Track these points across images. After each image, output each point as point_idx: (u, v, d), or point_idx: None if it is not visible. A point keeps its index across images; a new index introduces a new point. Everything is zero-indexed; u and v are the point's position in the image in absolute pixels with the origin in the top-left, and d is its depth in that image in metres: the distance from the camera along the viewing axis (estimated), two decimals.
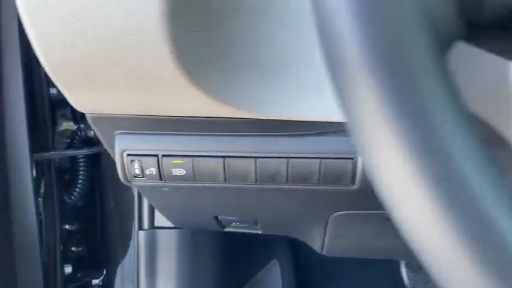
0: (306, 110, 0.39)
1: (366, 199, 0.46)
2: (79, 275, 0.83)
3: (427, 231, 0.15)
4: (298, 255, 1.00)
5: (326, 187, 0.42)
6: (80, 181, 0.76)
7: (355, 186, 0.42)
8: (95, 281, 0.85)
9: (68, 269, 0.81)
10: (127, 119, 0.39)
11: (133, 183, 0.43)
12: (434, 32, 0.15)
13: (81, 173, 0.76)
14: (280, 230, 0.66)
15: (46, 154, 0.68)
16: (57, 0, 0.28)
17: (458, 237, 0.14)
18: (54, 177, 0.70)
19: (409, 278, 0.85)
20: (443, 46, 0.16)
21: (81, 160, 0.76)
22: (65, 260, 0.80)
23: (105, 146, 0.44)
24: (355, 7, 0.14)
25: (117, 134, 0.42)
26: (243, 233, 0.69)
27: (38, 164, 0.67)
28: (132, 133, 0.41)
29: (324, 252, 0.63)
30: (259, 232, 0.68)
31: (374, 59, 0.14)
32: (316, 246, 0.64)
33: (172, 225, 0.73)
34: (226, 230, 0.66)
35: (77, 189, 0.76)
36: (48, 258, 0.73)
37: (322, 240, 0.60)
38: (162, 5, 0.28)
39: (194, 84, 0.32)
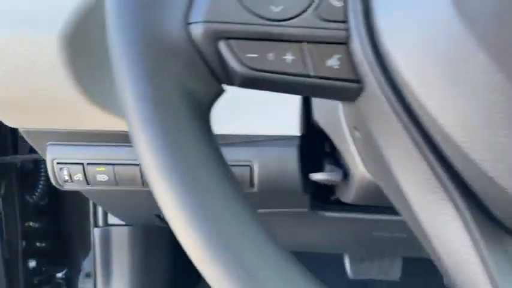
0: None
1: (268, 199, 0.53)
2: (43, 269, 0.89)
3: None
4: None
5: None
6: (41, 182, 0.82)
7: (255, 189, 0.48)
8: (59, 275, 0.92)
9: (32, 264, 0.87)
10: (54, 132, 0.46)
11: (64, 187, 0.50)
12: (192, 101, 0.21)
13: (42, 174, 0.82)
14: None
15: (7, 158, 0.74)
16: None
17: None
18: (14, 179, 0.77)
19: (351, 269, 0.91)
20: (203, 110, 0.23)
21: (43, 162, 0.82)
22: (29, 255, 0.86)
23: (40, 154, 0.50)
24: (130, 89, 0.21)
25: (48, 145, 0.48)
26: None
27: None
28: (60, 144, 0.47)
29: None
30: None
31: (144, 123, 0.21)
32: None
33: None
34: None
35: (39, 189, 0.82)
36: (10, 254, 0.79)
37: None
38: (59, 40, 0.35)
39: (93, 103, 0.38)
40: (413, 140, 0.21)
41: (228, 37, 0.21)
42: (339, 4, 0.21)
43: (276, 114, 0.46)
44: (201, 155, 0.22)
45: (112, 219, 0.80)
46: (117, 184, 0.49)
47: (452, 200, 0.21)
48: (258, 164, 0.47)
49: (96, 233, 0.80)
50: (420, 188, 0.22)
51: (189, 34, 0.21)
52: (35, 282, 0.88)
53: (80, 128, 0.44)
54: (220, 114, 0.45)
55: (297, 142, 0.46)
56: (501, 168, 0.19)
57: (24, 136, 0.47)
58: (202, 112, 0.23)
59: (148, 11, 0.21)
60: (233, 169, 0.48)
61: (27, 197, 0.82)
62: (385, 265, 0.92)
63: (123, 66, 0.21)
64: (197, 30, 0.21)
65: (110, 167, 0.47)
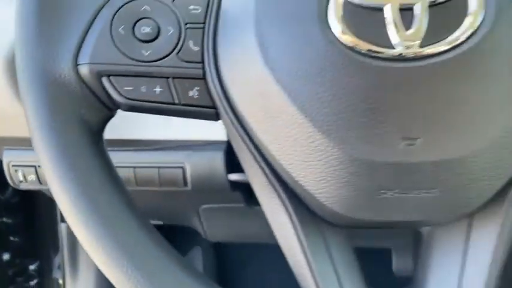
0: (148, 132, 0.52)
1: (205, 196, 0.59)
2: (17, 261, 0.95)
3: None
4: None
5: (168, 188, 0.55)
6: None
7: (188, 188, 0.54)
8: (31, 267, 0.98)
9: (6, 256, 0.93)
10: (7, 138, 0.52)
11: (20, 186, 0.56)
12: (85, 127, 0.28)
13: None
14: (172, 220, 0.79)
15: None
16: None
17: None
18: None
19: None
20: (96, 132, 0.29)
21: None
22: (3, 249, 0.92)
23: None
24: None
25: (4, 149, 0.54)
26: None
27: None
28: (15, 149, 0.54)
29: (208, 238, 0.77)
30: (161, 222, 0.81)
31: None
32: (203, 233, 0.77)
33: None
34: None
35: (9, 189, 0.88)
36: None
37: (202, 227, 0.74)
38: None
39: None
40: (254, 157, 0.27)
41: (109, 75, 0.27)
42: (196, 49, 0.28)
43: (206, 122, 0.53)
44: (92, 168, 0.28)
45: None
46: None
47: (284, 205, 0.28)
48: (189, 166, 0.53)
49: (63, 228, 0.86)
50: (262, 193, 0.28)
51: (78, 73, 0.27)
52: (10, 274, 0.94)
53: (25, 134, 0.50)
54: (155, 122, 0.51)
55: (223, 146, 0.52)
56: (316, 187, 0.26)
57: None
58: (95, 135, 0.29)
59: (45, 53, 0.27)
60: (168, 170, 0.55)
61: (0, 195, 0.87)
62: None
63: (28, 101, 0.27)
64: (84, 70, 0.27)
65: None
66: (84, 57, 0.27)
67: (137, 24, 0.27)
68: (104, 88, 0.27)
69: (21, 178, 0.55)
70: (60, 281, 0.95)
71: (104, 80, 0.27)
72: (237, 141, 0.28)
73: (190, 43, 0.28)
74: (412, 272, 0.96)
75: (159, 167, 0.53)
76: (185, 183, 0.54)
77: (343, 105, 0.23)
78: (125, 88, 0.27)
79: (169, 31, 0.27)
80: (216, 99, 0.27)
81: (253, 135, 0.26)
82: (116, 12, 0.27)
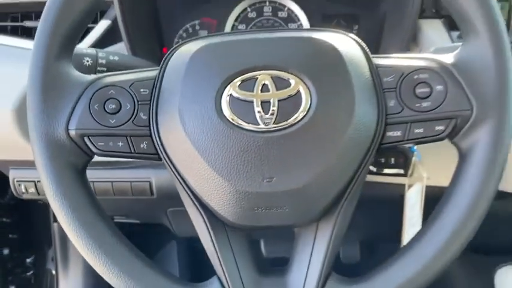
0: None
1: (169, 202, 0.75)
2: (15, 255, 1.10)
3: None
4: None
5: (139, 197, 0.71)
6: (10, 188, 1.03)
7: (155, 196, 0.70)
8: (28, 260, 1.13)
9: (6, 251, 1.08)
10: (13, 161, 0.67)
11: (23, 196, 0.71)
12: (75, 168, 0.43)
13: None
14: (148, 220, 0.95)
15: None
16: None
17: None
18: None
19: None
20: (81, 170, 0.44)
21: None
22: (3, 245, 1.07)
23: (5, 173, 0.71)
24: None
25: (10, 168, 0.69)
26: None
27: None
28: (18, 168, 0.69)
29: (177, 234, 0.93)
30: (138, 221, 0.97)
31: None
32: (172, 230, 0.93)
33: None
34: (115, 220, 0.95)
35: (8, 193, 1.03)
36: None
37: (171, 226, 0.90)
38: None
39: None
40: (182, 186, 0.43)
41: (89, 135, 0.43)
42: (145, 117, 0.43)
43: None
44: (79, 194, 0.43)
45: None
46: None
47: (201, 215, 0.44)
48: (154, 179, 0.69)
49: (55, 227, 1.02)
50: (189, 208, 0.44)
51: (69, 135, 0.43)
52: (9, 266, 1.09)
53: (27, 158, 0.66)
54: None
55: None
56: (216, 205, 0.42)
57: None
58: (80, 172, 0.44)
59: (47, 123, 0.42)
60: (138, 183, 0.71)
61: (0, 199, 1.02)
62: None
63: (36, 152, 0.42)
64: (72, 133, 0.43)
65: None
66: (72, 125, 0.42)
67: (106, 102, 0.43)
68: (85, 144, 0.43)
69: (23, 190, 0.70)
70: (53, 272, 1.11)
71: (85, 139, 0.43)
72: (171, 175, 0.43)
73: (141, 114, 0.43)
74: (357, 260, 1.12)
75: (131, 181, 0.69)
76: (152, 193, 0.70)
77: (230, 157, 0.39)
78: (99, 143, 0.43)
79: (127, 106, 0.43)
80: (158, 149, 0.43)
81: (179, 172, 0.42)
82: (92, 95, 0.42)
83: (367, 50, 0.44)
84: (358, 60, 0.42)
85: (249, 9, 0.75)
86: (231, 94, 0.40)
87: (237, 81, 0.40)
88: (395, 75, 0.42)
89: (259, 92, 0.40)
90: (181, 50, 0.44)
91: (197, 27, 0.75)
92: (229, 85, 0.40)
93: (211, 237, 0.44)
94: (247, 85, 0.40)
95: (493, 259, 0.81)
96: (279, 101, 0.40)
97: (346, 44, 0.43)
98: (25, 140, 0.60)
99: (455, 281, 0.85)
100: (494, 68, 0.40)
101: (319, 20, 0.74)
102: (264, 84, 0.40)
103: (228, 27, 0.74)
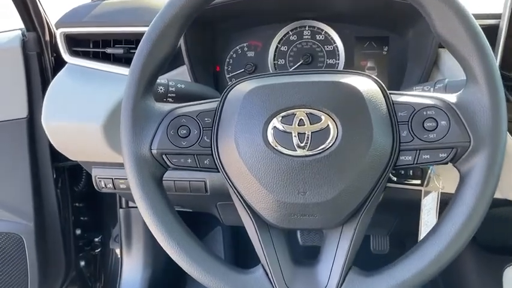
0: None
1: (219, 197, 0.88)
2: (85, 235, 1.28)
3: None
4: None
5: (196, 193, 0.85)
6: (83, 178, 1.20)
7: (208, 193, 0.84)
8: (96, 239, 1.31)
9: (78, 231, 1.26)
10: (96, 162, 0.82)
11: (102, 190, 0.87)
12: (156, 179, 0.57)
13: (84, 173, 1.20)
14: (201, 209, 1.09)
15: (61, 164, 1.12)
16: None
17: None
18: (66, 177, 1.15)
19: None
20: (160, 179, 0.58)
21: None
22: (76, 226, 1.25)
23: (88, 171, 0.87)
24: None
25: (93, 167, 0.85)
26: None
27: (57, 169, 1.11)
28: (100, 167, 0.85)
29: (224, 223, 1.07)
30: (191, 210, 1.12)
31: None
32: (220, 220, 1.07)
33: None
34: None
35: (82, 182, 1.20)
36: (65, 224, 1.18)
37: (220, 216, 1.04)
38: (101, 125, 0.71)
39: (117, 151, 0.75)
40: (235, 193, 0.56)
41: (166, 154, 0.56)
42: (208, 140, 0.56)
43: None
44: (158, 198, 0.57)
45: (132, 203, 1.18)
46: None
47: (249, 216, 0.56)
48: (208, 180, 0.83)
49: (121, 213, 1.19)
50: (239, 210, 0.57)
51: (151, 153, 0.56)
52: (80, 244, 1.27)
53: (109, 160, 0.81)
54: None
55: None
56: (262, 211, 0.55)
57: (80, 163, 0.84)
58: (159, 180, 0.58)
59: (136, 144, 0.56)
60: (195, 182, 0.85)
61: (75, 187, 1.20)
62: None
63: (128, 167, 0.56)
64: (154, 152, 0.56)
65: (125, 180, 0.84)
66: (154, 145, 0.55)
67: (179, 128, 0.56)
68: (163, 160, 0.56)
69: (103, 185, 0.86)
70: (117, 250, 1.28)
71: (164, 156, 0.56)
72: (227, 185, 0.56)
73: (205, 137, 0.56)
74: (385, 252, 1.24)
75: (189, 180, 0.83)
76: (206, 190, 0.84)
77: (273, 175, 0.51)
78: (173, 160, 0.56)
79: (194, 132, 0.56)
80: (218, 165, 0.56)
81: (233, 183, 0.55)
82: (169, 123, 0.56)
83: (385, 88, 0.54)
84: (378, 98, 0.53)
85: (290, 33, 0.86)
86: (275, 126, 0.52)
87: (280, 116, 0.52)
88: (408, 111, 0.53)
89: (297, 125, 0.52)
90: (236, 88, 0.56)
91: (245, 49, 0.87)
92: (273, 119, 0.52)
93: (257, 234, 0.57)
94: (288, 120, 0.52)
95: (502, 258, 0.90)
96: (312, 132, 0.51)
97: (368, 85, 0.54)
98: (109, 148, 0.75)
99: (467, 276, 0.94)
100: (489, 109, 0.50)
101: (352, 42, 0.84)
102: (300, 119, 0.52)
103: (272, 49, 0.86)
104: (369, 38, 0.84)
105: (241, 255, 1.41)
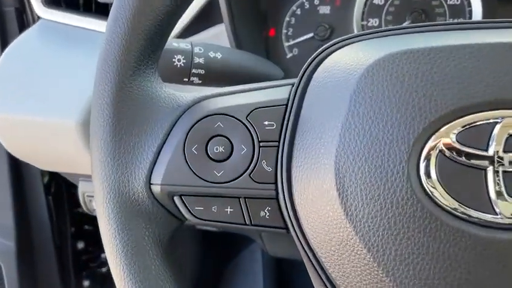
0: None
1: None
2: (90, 248, 1.02)
3: None
4: None
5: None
6: None
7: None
8: (103, 255, 1.05)
9: (81, 245, 1.00)
10: (81, 175, 0.54)
11: (93, 213, 0.59)
12: (154, 238, 0.27)
13: None
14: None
15: None
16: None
17: None
18: (64, 178, 0.88)
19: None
20: (164, 241, 0.28)
21: None
22: (78, 238, 0.99)
23: (74, 183, 0.59)
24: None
25: (80, 180, 0.57)
26: None
27: (50, 173, 0.84)
28: (88, 180, 0.56)
29: (268, 253, 0.78)
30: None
31: None
32: (265, 249, 0.78)
33: None
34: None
35: None
36: (60, 238, 0.91)
37: (264, 246, 0.75)
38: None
39: None
40: (312, 265, 0.26)
41: (181, 194, 0.27)
42: (270, 169, 0.26)
43: None
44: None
45: None
46: None
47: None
48: None
49: None
50: (313, 279, 0.27)
51: (151, 191, 0.27)
52: (83, 259, 1.02)
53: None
54: None
55: None
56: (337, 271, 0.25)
57: (64, 175, 0.56)
58: (165, 247, 0.28)
59: (120, 176, 0.27)
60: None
61: (73, 191, 0.93)
62: None
63: (102, 221, 0.27)
64: (157, 189, 0.27)
65: None
66: (157, 178, 0.26)
67: (210, 142, 0.26)
68: (175, 206, 0.27)
69: (94, 207, 0.57)
70: None
71: (176, 199, 0.27)
72: (300, 249, 0.27)
73: (264, 163, 0.26)
74: None
75: None
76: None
77: (431, 271, 0.21)
78: (196, 208, 0.27)
79: (242, 150, 0.26)
80: (287, 219, 0.26)
81: (314, 250, 0.25)
82: (189, 130, 0.26)
83: None
84: None
85: None
86: (440, 150, 0.21)
87: (453, 127, 0.21)
88: None
89: (502, 151, 0.21)
90: (336, 58, 0.25)
91: (316, 2, 0.55)
92: (436, 134, 0.21)
93: None
94: (473, 136, 0.21)
95: None
96: None
97: None
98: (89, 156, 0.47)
99: None
100: None
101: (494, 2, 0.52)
102: (508, 137, 0.21)
103: (359, 2, 0.54)
104: None
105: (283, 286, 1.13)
